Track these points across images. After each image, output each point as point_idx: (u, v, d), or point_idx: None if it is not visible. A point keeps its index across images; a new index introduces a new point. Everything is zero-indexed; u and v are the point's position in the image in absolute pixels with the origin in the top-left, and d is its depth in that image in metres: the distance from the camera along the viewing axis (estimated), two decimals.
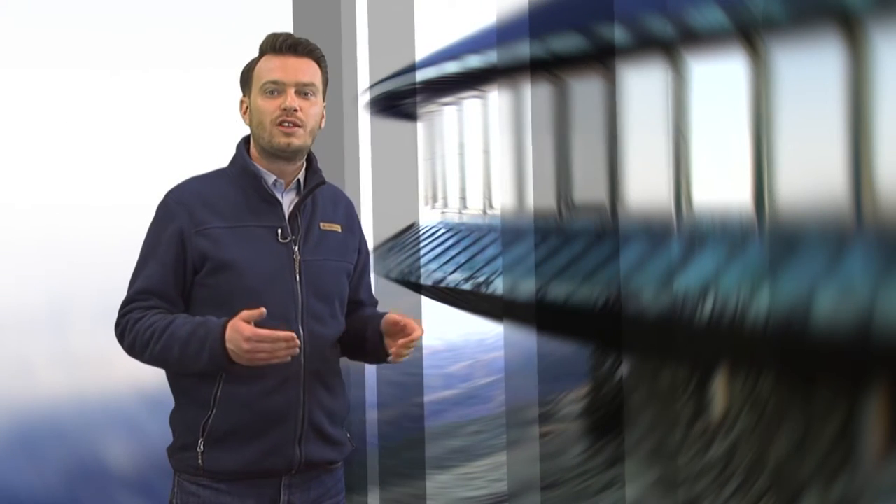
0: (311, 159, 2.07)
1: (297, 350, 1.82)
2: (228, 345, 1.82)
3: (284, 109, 1.96)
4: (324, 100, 2.05)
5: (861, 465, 4.00)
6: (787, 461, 4.34)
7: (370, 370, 8.36)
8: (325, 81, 2.04)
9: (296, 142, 1.98)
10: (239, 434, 1.92)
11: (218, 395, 1.92)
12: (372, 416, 8.28)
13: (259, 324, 1.87)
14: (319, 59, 2.02)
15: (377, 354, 2.07)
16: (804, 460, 4.25)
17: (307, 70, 1.99)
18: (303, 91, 1.98)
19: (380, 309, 2.22)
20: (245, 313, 1.81)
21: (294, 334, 1.81)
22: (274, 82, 1.97)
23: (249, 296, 1.92)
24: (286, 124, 1.97)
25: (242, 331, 1.80)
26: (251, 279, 1.92)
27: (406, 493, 7.06)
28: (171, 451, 2.01)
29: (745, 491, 4.59)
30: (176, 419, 2.01)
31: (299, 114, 1.97)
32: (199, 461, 1.94)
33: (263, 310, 1.81)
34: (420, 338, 1.95)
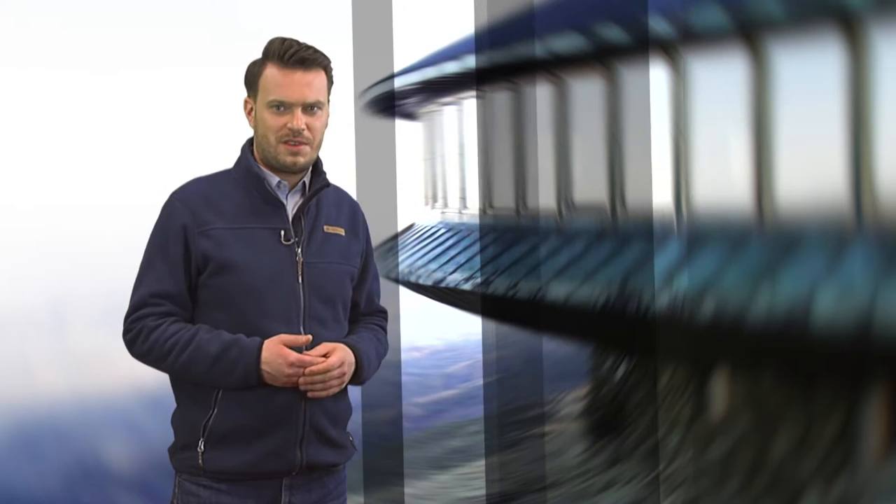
0: (316, 162, 2.06)
1: (331, 391, 1.93)
2: (264, 367, 1.87)
3: (291, 129, 1.95)
4: (328, 101, 2.03)
5: (861, 465, 4.00)
6: (787, 461, 4.34)
7: None
8: (331, 85, 2.03)
9: (302, 160, 1.98)
10: (240, 435, 1.92)
11: (219, 395, 1.92)
12: (371, 416, 8.28)
13: (263, 326, 1.89)
14: (326, 67, 1.99)
15: None
16: (804, 460, 4.25)
17: (314, 84, 1.96)
18: (309, 107, 1.97)
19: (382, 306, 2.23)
20: (287, 337, 1.89)
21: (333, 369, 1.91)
22: (281, 101, 1.95)
23: (252, 297, 1.92)
24: (292, 143, 1.96)
25: (286, 356, 1.87)
26: (253, 281, 1.92)
27: (405, 493, 7.05)
28: (173, 450, 2.01)
29: (745, 491, 4.59)
30: (177, 419, 2.00)
31: (306, 133, 1.96)
32: (200, 461, 1.93)
33: (310, 336, 1.90)
34: (322, 371, 1.91)
